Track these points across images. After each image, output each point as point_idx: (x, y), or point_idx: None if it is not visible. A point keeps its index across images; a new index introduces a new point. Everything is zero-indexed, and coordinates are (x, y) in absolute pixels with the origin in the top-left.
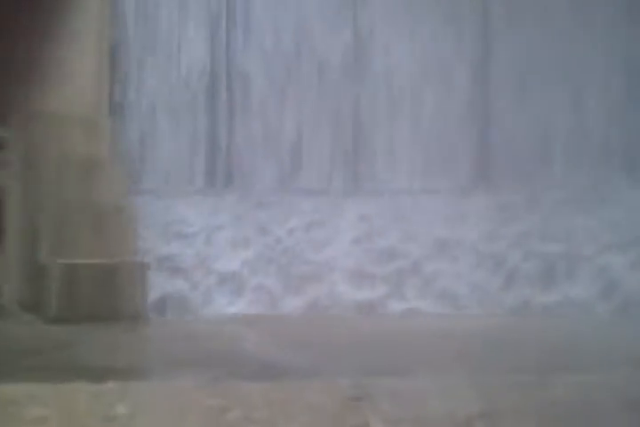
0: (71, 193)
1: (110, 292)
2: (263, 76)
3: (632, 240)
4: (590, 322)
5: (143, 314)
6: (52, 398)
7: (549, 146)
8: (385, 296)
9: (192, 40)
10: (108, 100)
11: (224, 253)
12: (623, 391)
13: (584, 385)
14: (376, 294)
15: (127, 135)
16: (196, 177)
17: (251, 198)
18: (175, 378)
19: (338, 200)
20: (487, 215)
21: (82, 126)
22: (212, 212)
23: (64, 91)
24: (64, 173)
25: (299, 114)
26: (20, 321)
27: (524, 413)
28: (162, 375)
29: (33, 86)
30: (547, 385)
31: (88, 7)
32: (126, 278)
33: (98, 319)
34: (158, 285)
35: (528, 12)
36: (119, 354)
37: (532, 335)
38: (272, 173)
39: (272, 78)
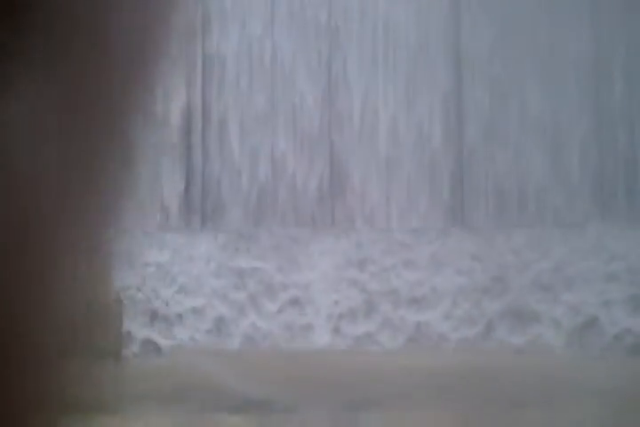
0: None
1: (83, 328)
2: (239, 206)
3: None
4: None
5: (117, 348)
6: None
7: None
8: None
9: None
10: None
11: None
12: None
13: None
14: None
15: None
16: None
17: None
18: (148, 413)
19: None
20: None
21: None
22: None
23: None
24: None
25: None
26: None
27: None
28: (133, 410)
29: None
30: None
31: None
32: (100, 315)
33: (71, 353)
34: None
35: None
36: (87, 388)
37: None
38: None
39: (247, 208)
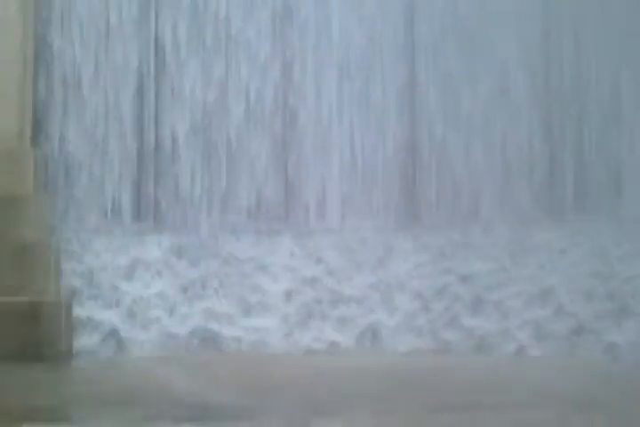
0: None
1: (32, 331)
2: None
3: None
4: None
5: (67, 354)
6: None
7: None
8: None
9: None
10: (31, 130)
11: None
12: None
13: None
14: None
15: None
16: None
17: None
18: (99, 420)
19: None
20: None
21: (2, 159)
22: None
23: None
24: None
25: None
26: None
27: None
28: (85, 417)
29: None
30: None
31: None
32: (49, 318)
33: (19, 359)
34: None
35: None
36: (39, 394)
37: None
38: None
39: None
